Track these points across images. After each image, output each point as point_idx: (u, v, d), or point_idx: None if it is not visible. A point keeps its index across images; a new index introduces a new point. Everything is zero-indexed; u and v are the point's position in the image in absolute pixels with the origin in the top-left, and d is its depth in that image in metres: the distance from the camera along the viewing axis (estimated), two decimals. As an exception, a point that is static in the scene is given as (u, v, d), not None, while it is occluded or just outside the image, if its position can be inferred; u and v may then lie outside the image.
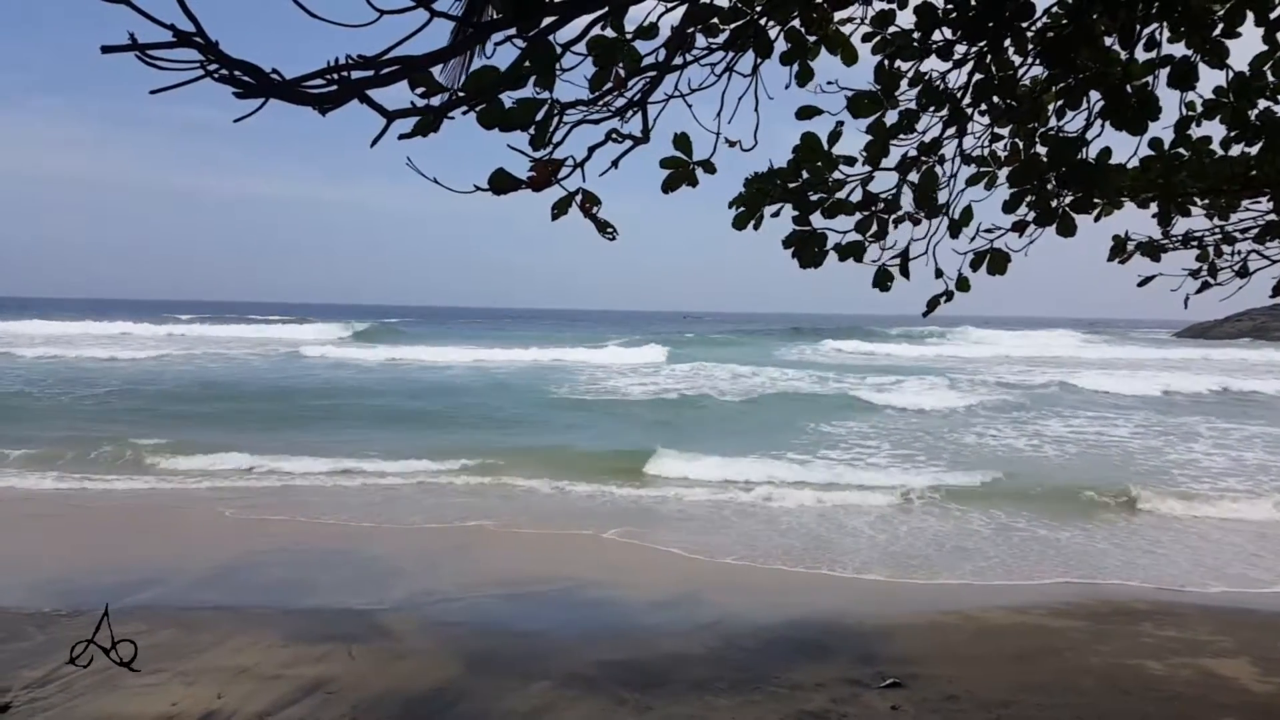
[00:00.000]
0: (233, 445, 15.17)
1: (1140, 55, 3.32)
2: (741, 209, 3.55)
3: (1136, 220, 4.74)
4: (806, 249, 3.62)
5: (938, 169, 3.83)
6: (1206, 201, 4.69)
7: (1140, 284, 4.91)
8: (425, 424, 20.04)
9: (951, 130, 3.80)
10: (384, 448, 15.70)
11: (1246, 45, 3.74)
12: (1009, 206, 3.89)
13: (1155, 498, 12.76)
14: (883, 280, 3.88)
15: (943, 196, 3.87)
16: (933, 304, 4.06)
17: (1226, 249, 4.94)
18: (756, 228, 3.62)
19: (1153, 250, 4.87)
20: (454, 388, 28.02)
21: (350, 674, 6.13)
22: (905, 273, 3.87)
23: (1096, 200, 4.42)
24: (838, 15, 3.46)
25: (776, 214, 3.57)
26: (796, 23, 3.32)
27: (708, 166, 3.00)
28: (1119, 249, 4.88)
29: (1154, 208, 4.63)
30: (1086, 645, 6.99)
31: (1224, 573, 9.50)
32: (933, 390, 27.98)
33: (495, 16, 2.08)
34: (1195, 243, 4.93)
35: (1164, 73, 3.38)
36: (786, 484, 13.51)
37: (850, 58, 3.53)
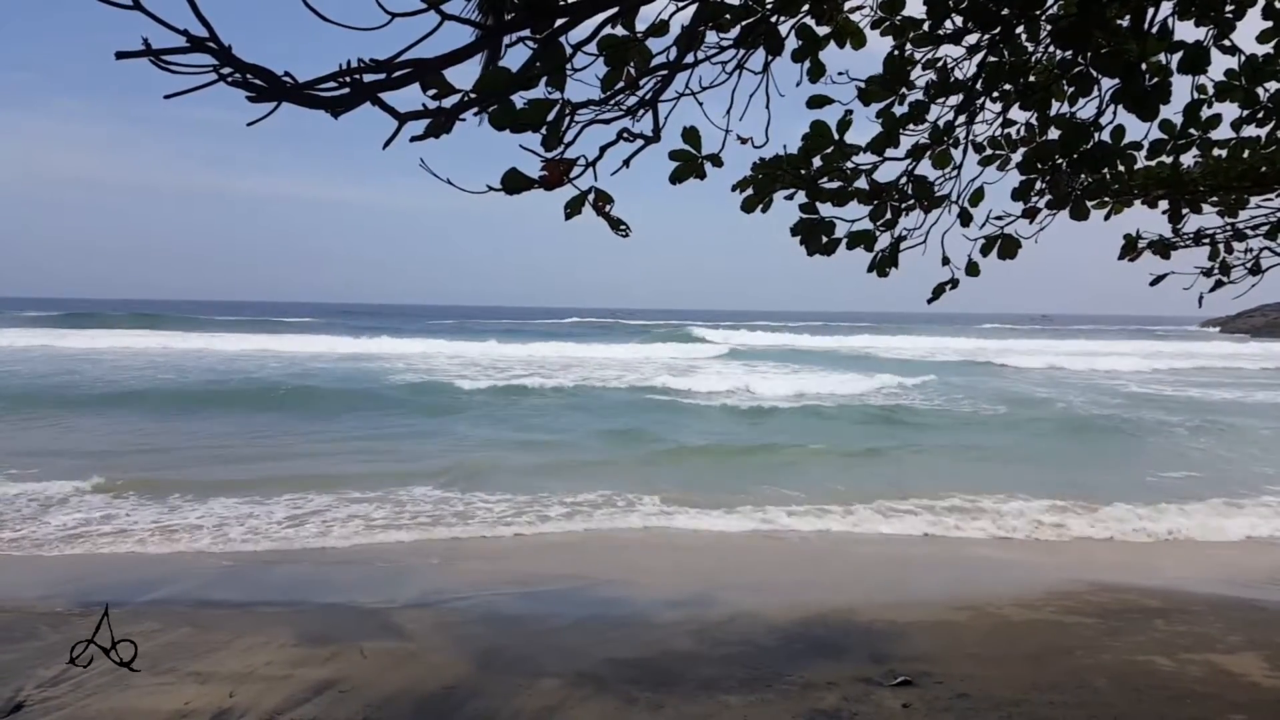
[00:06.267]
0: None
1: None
2: (749, 192, 3.55)
3: (1147, 219, 4.73)
4: (815, 236, 3.62)
5: (951, 152, 3.83)
6: (1217, 198, 4.68)
7: (1153, 282, 4.90)
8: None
9: (962, 118, 3.80)
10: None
11: (1254, 31, 3.75)
12: (1020, 193, 3.89)
13: None
14: (882, 266, 3.89)
15: (951, 186, 3.88)
16: (938, 291, 4.06)
17: (1238, 246, 4.92)
18: (765, 211, 3.62)
19: (1163, 248, 4.85)
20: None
21: (362, 673, 6.15)
22: (894, 261, 3.87)
23: (1107, 198, 4.43)
24: (847, 4, 3.47)
25: (790, 197, 3.58)
26: (808, 18, 3.31)
27: (715, 160, 3.00)
28: (1130, 247, 4.86)
29: (1164, 205, 4.62)
30: (1099, 642, 6.97)
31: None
32: None
33: (509, 17, 2.08)
34: (1207, 240, 4.91)
35: (1175, 60, 3.37)
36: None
37: (860, 42, 3.53)
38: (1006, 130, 4.01)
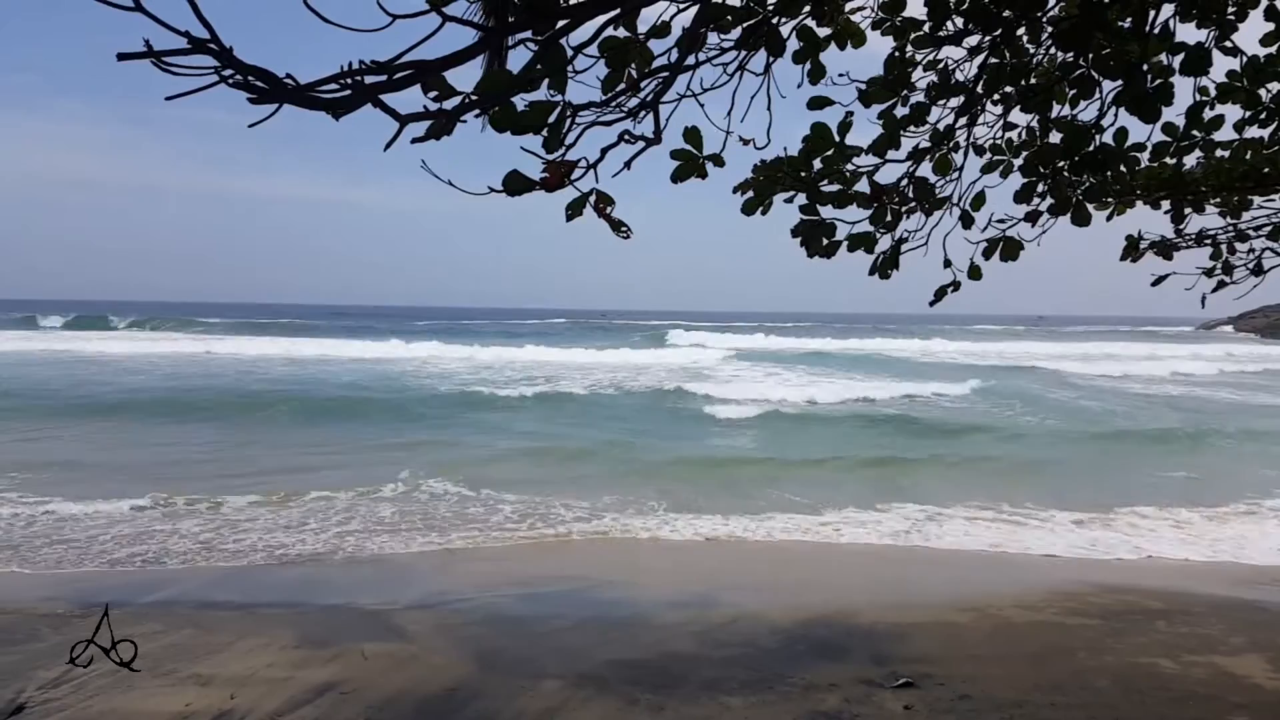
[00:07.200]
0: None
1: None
2: (749, 195, 3.55)
3: (1147, 220, 4.72)
4: (815, 238, 3.62)
5: (951, 156, 3.82)
6: (1219, 199, 4.67)
7: (1154, 283, 4.89)
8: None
9: (963, 120, 3.80)
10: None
11: (1256, 33, 3.75)
12: (1022, 196, 3.89)
13: None
14: (884, 268, 3.88)
15: (952, 189, 3.87)
16: (940, 294, 4.06)
17: (1240, 247, 4.92)
18: (765, 213, 3.62)
19: (1165, 249, 4.84)
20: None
21: (363, 674, 6.14)
22: (895, 263, 3.86)
23: (1108, 199, 4.42)
24: (848, 5, 3.47)
25: (790, 199, 3.57)
26: (809, 20, 3.31)
27: (717, 160, 3.00)
28: (1132, 248, 4.86)
29: (1167, 205, 4.62)
30: (1101, 644, 6.96)
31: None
32: None
33: (511, 19, 2.08)
34: (1209, 241, 4.91)
35: (1177, 62, 3.37)
36: None
37: (860, 43, 3.53)
38: (1008, 134, 4.00)
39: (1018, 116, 3.93)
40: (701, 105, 3.06)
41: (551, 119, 2.31)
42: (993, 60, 3.61)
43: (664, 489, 13.14)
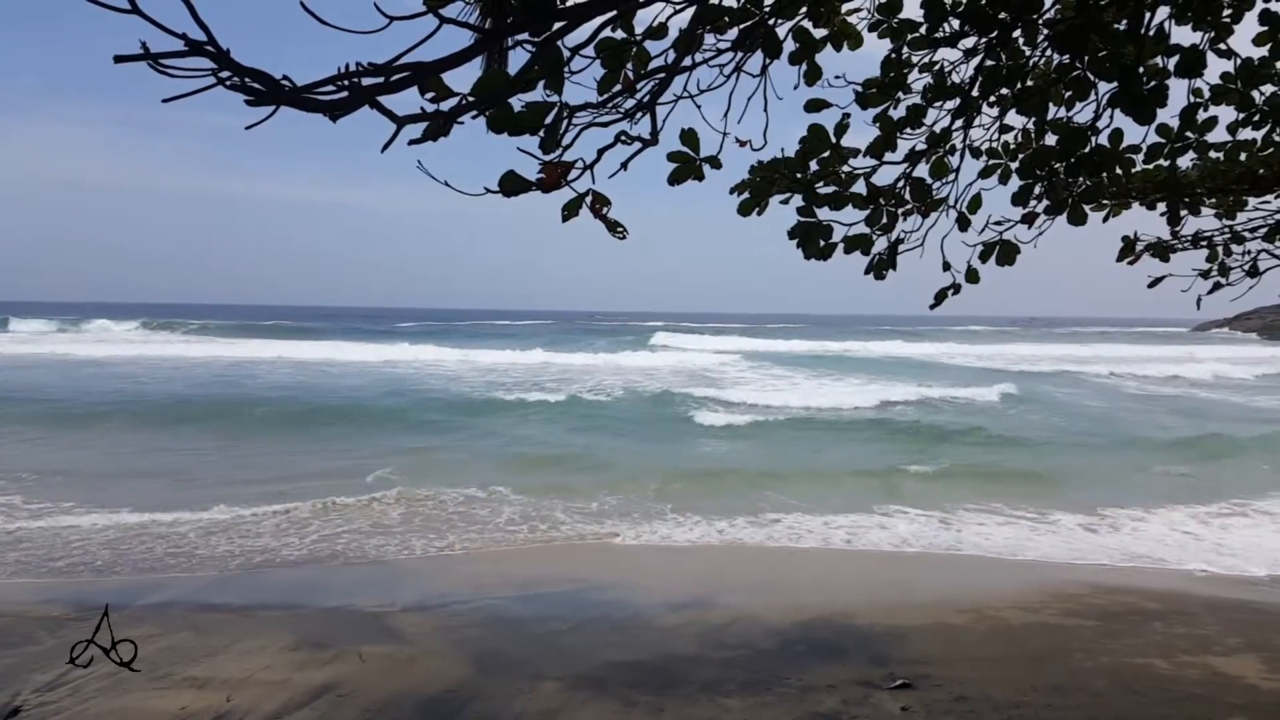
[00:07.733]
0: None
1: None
2: (746, 195, 3.56)
3: (1145, 221, 4.74)
4: (812, 240, 3.63)
5: (948, 159, 3.83)
6: (1215, 200, 4.69)
7: (1151, 284, 4.90)
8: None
9: (959, 122, 3.80)
10: None
11: (1250, 35, 3.77)
12: (1019, 198, 3.90)
13: None
14: (880, 269, 3.89)
15: (949, 191, 3.88)
16: (940, 296, 4.06)
17: (1236, 248, 4.93)
18: (761, 214, 3.63)
19: (1162, 251, 4.86)
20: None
21: (361, 676, 6.14)
22: (892, 264, 3.87)
23: (1105, 200, 4.43)
24: (844, 6, 3.48)
25: (786, 201, 3.58)
26: (805, 21, 3.32)
27: (714, 162, 3.01)
28: (1128, 250, 4.87)
29: (1163, 207, 4.63)
30: (1097, 644, 6.97)
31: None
32: None
33: (509, 20, 2.08)
34: (1205, 243, 4.92)
35: (1172, 64, 3.38)
36: None
37: (857, 44, 3.55)
38: (1004, 137, 4.01)
39: (1014, 119, 3.94)
40: (699, 106, 3.07)
41: (548, 120, 2.31)
42: (989, 62, 3.62)
43: (667, 492, 13.11)
